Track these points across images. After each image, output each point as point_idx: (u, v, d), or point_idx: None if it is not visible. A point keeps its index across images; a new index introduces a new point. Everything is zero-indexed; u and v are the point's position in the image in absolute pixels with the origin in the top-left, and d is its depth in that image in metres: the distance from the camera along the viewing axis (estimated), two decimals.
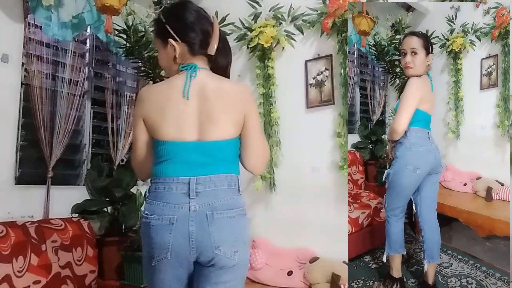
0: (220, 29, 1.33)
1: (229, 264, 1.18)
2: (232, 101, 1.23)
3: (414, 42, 1.97)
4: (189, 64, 1.25)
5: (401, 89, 2.15)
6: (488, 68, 2.85)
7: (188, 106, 1.20)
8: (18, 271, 1.90)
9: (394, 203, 2.08)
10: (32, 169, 2.44)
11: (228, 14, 2.80)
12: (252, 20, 2.71)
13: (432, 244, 2.08)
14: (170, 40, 1.26)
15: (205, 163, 1.19)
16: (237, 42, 2.83)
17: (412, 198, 2.10)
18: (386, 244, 2.13)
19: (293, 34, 2.60)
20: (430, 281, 2.11)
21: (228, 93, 1.24)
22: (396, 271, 2.14)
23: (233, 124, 1.23)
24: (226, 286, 1.19)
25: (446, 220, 2.92)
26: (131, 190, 2.58)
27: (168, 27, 1.27)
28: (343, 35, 2.37)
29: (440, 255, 2.46)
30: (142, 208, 1.25)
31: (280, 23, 2.65)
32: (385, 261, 2.15)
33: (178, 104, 1.20)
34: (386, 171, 2.09)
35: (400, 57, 2.96)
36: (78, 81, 2.62)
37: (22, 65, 2.37)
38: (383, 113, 3.21)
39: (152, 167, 1.23)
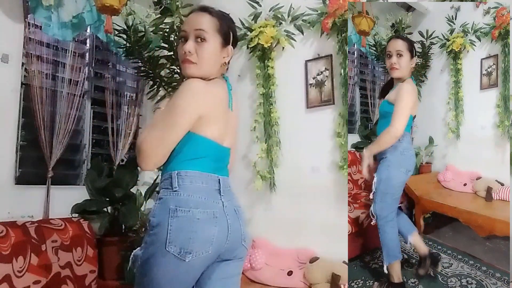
0: None
1: (245, 255, 1.30)
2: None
3: (400, 45, 2.01)
4: (225, 77, 1.35)
5: (383, 92, 2.16)
6: (488, 68, 2.86)
7: (229, 115, 1.30)
8: (18, 271, 1.91)
9: (388, 209, 2.10)
10: (32, 169, 2.44)
11: (228, 14, 2.80)
12: (252, 20, 2.71)
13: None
14: (230, 46, 1.32)
15: (224, 167, 1.32)
16: None
17: None
18: (384, 254, 2.12)
19: (293, 34, 2.60)
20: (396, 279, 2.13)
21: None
22: (397, 277, 2.13)
23: None
24: (239, 278, 1.30)
25: (446, 220, 2.92)
26: (131, 190, 2.58)
27: (231, 33, 1.32)
28: (343, 35, 2.37)
29: (440, 255, 2.46)
30: (170, 202, 1.16)
31: (280, 23, 2.65)
32: (385, 271, 2.12)
33: (225, 110, 1.29)
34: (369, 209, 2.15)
35: None
36: (78, 81, 2.62)
37: (22, 65, 2.37)
38: None
39: (182, 161, 1.21)
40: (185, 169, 1.20)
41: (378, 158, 2.08)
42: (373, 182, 2.07)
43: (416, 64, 2.17)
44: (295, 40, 2.60)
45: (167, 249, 1.12)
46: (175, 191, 1.17)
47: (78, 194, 2.48)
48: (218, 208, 1.21)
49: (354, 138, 3.11)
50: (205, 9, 1.29)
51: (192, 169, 1.20)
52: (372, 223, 2.15)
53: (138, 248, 1.20)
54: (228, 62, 1.35)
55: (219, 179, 1.25)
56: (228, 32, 1.30)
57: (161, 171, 1.27)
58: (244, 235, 1.27)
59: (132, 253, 1.21)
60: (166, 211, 1.15)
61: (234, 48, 1.34)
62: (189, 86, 1.18)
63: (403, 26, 2.91)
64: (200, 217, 1.16)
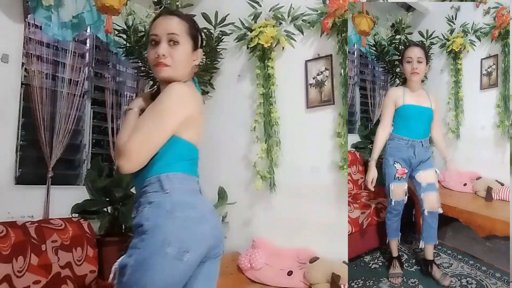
0: None
1: (222, 253, 1.32)
2: None
3: (421, 52, 2.19)
4: (195, 79, 1.37)
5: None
6: (488, 68, 2.85)
7: (201, 117, 1.31)
8: (18, 271, 1.91)
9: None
10: (32, 169, 2.44)
11: (228, 14, 2.80)
12: (252, 20, 2.71)
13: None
14: (200, 50, 1.35)
15: (197, 168, 1.34)
16: (237, 42, 2.83)
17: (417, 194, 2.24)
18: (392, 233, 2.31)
19: (293, 34, 2.60)
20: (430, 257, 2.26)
21: None
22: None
23: None
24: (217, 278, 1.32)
25: (446, 220, 2.92)
26: (131, 190, 2.57)
27: (199, 37, 1.35)
28: (343, 35, 2.37)
29: (440, 255, 2.46)
30: (165, 204, 1.17)
31: (280, 23, 2.65)
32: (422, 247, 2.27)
33: (202, 113, 1.30)
34: None
35: (399, 57, 2.98)
36: (78, 81, 2.62)
37: (22, 65, 2.37)
38: None
39: (168, 164, 1.22)
40: (172, 172, 1.22)
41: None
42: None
43: None
44: (295, 40, 2.60)
45: (166, 251, 1.12)
46: (167, 193, 1.19)
47: (78, 194, 2.48)
48: (205, 207, 1.26)
49: (354, 138, 3.11)
50: (174, 13, 1.32)
51: (178, 171, 1.23)
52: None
53: (122, 257, 1.17)
54: (198, 65, 1.37)
55: (197, 180, 1.30)
56: (197, 35, 1.34)
57: (136, 176, 1.25)
58: (223, 232, 1.33)
59: (117, 264, 1.18)
60: (162, 213, 1.16)
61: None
62: (176, 90, 1.19)
63: (403, 26, 2.91)
64: (194, 216, 1.19)
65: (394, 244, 2.36)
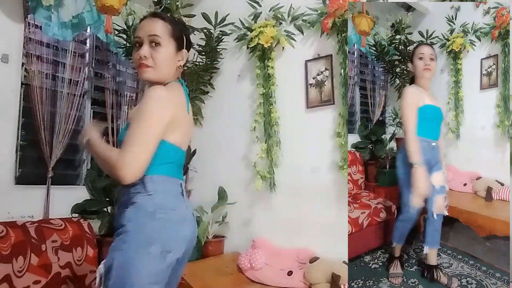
0: None
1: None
2: None
3: (433, 51, 2.19)
4: (181, 80, 1.37)
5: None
6: (488, 68, 2.85)
7: (186, 118, 1.32)
8: (18, 271, 1.91)
9: None
10: (32, 169, 2.44)
11: (228, 14, 2.80)
12: (252, 20, 2.71)
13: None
14: (185, 50, 1.35)
15: (182, 170, 1.37)
16: (237, 42, 2.83)
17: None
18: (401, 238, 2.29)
19: (293, 34, 2.60)
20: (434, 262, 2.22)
21: None
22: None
23: None
24: None
25: (446, 220, 2.92)
26: None
27: (184, 38, 1.35)
28: (343, 35, 2.37)
29: (440, 255, 2.46)
30: (147, 205, 1.21)
31: (280, 23, 2.65)
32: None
33: (185, 114, 1.30)
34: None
35: (399, 57, 2.98)
36: (78, 81, 2.62)
37: (22, 65, 2.37)
38: (383, 113, 3.21)
39: (151, 166, 1.22)
40: (156, 174, 1.24)
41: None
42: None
43: None
44: (295, 40, 2.60)
45: (149, 250, 1.14)
46: (150, 195, 1.21)
47: (78, 194, 2.48)
48: (186, 209, 1.29)
49: (354, 138, 3.11)
50: (157, 15, 1.33)
51: (161, 174, 1.25)
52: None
53: (104, 260, 1.18)
54: (183, 66, 1.38)
55: (180, 183, 1.32)
56: (181, 37, 1.34)
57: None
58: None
59: (101, 268, 1.18)
60: (145, 214, 1.19)
61: (188, 52, 1.38)
62: (156, 95, 1.20)
63: (403, 26, 2.91)
64: (175, 218, 1.22)
65: (398, 247, 2.35)
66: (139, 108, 1.21)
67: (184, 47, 1.35)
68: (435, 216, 2.13)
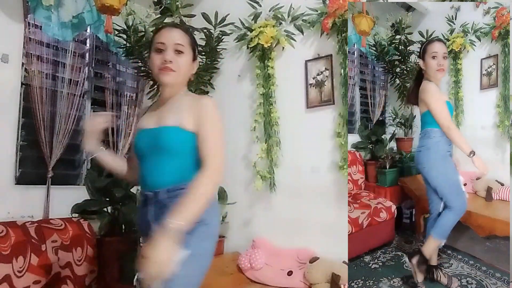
0: None
1: None
2: None
3: (445, 48, 2.12)
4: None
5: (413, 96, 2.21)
6: (488, 68, 2.85)
7: None
8: (18, 271, 1.91)
9: None
10: (32, 169, 2.44)
11: (228, 14, 2.80)
12: (252, 20, 2.71)
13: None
14: (197, 61, 1.47)
15: None
16: (237, 42, 2.83)
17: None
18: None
19: (293, 34, 2.60)
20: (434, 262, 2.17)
21: None
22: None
23: None
24: None
25: None
26: (131, 190, 2.58)
27: (197, 49, 1.48)
28: (343, 35, 2.37)
29: (440, 255, 2.46)
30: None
31: (280, 23, 2.65)
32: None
33: None
34: None
35: (399, 57, 2.98)
36: (78, 81, 2.62)
37: (22, 65, 2.37)
38: (383, 113, 3.21)
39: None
40: None
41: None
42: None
43: (416, 64, 2.18)
44: (295, 40, 2.60)
45: (216, 240, 1.36)
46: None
47: (78, 194, 2.48)
48: None
49: (354, 138, 3.11)
50: (179, 27, 1.46)
51: None
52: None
53: (182, 250, 1.18)
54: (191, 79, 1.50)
55: None
56: (196, 48, 1.47)
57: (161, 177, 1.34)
58: None
59: (179, 253, 1.18)
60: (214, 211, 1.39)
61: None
62: (215, 104, 1.39)
63: (403, 26, 2.91)
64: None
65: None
66: (201, 116, 1.33)
67: (195, 58, 1.47)
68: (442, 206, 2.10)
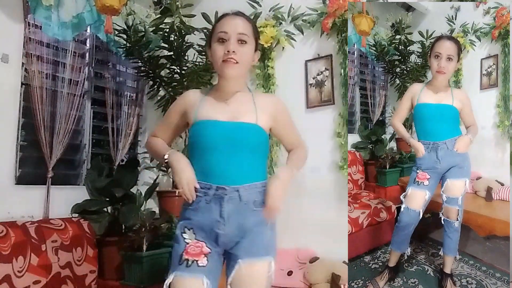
0: None
1: None
2: None
3: (453, 49, 1.93)
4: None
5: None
6: (488, 68, 2.85)
7: None
8: (18, 271, 1.91)
9: None
10: (32, 169, 2.44)
11: None
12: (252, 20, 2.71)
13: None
14: (259, 51, 1.39)
15: None
16: None
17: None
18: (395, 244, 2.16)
19: (293, 34, 2.61)
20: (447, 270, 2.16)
21: None
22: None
23: None
24: None
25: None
26: (131, 190, 2.58)
27: (258, 39, 1.38)
28: (343, 35, 2.38)
29: (440, 255, 2.46)
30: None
31: (280, 23, 2.65)
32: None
33: None
34: None
35: (399, 57, 2.97)
36: (78, 81, 2.62)
37: (22, 65, 2.37)
38: (383, 113, 3.21)
39: None
40: None
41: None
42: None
43: (416, 64, 2.16)
44: (295, 40, 2.60)
45: None
46: None
47: (78, 194, 2.48)
48: None
49: (354, 138, 3.11)
50: (242, 15, 1.35)
51: None
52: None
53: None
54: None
55: None
56: (258, 38, 1.37)
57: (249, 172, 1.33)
58: None
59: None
60: None
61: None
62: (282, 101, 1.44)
63: (403, 26, 2.91)
64: None
65: (394, 255, 2.18)
66: (278, 114, 1.41)
67: (257, 49, 1.38)
68: (442, 221, 2.07)
